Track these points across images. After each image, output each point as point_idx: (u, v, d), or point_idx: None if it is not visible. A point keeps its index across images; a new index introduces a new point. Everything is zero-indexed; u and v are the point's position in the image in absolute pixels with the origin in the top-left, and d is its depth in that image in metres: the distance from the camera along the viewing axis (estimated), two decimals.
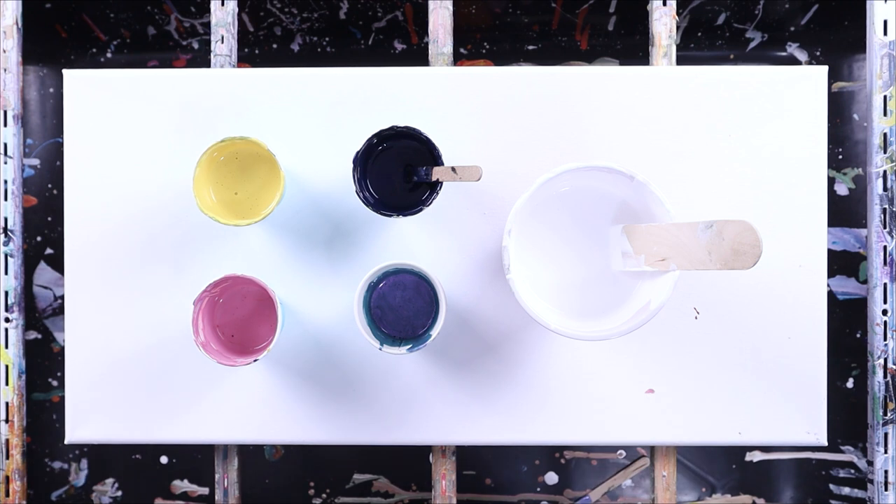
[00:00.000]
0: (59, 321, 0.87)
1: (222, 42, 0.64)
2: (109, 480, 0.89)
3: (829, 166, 0.85)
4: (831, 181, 0.86)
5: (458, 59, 0.90)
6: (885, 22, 0.62)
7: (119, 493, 0.89)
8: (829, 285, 0.84)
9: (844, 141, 0.86)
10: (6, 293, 0.64)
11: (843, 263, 0.85)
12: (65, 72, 0.62)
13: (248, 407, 0.62)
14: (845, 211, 0.85)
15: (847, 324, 0.85)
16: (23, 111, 0.67)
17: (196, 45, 0.91)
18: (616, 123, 0.61)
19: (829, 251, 0.84)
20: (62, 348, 0.87)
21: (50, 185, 0.88)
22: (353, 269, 0.61)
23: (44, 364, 0.88)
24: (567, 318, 0.54)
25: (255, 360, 0.56)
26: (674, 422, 0.61)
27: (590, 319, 0.54)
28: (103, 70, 0.62)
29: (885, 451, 0.62)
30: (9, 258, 0.64)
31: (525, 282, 0.55)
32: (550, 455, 0.89)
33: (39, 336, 0.88)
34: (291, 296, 0.61)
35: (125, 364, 0.62)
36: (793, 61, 0.88)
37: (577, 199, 0.55)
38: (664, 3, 0.64)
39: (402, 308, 0.59)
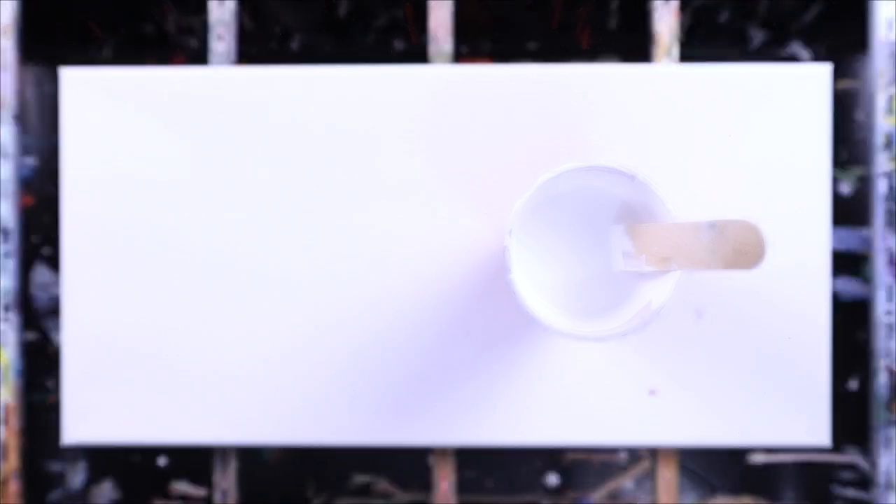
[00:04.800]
0: (57, 322, 0.87)
1: (221, 41, 0.64)
2: (108, 482, 0.89)
3: (832, 165, 0.85)
4: (834, 181, 0.85)
5: (458, 58, 0.90)
6: (889, 21, 0.62)
7: (117, 495, 0.88)
8: (832, 286, 0.83)
9: (847, 140, 0.85)
10: (3, 294, 0.64)
11: (847, 264, 0.84)
12: (62, 70, 0.62)
13: (248, 407, 0.62)
14: (848, 211, 0.85)
15: (850, 324, 0.85)
16: (20, 110, 0.66)
17: (194, 44, 0.90)
18: (617, 122, 0.61)
19: (833, 251, 0.84)
20: (59, 349, 0.87)
21: (48, 185, 0.88)
22: None
23: (41, 365, 0.87)
24: (568, 319, 0.54)
25: None
26: (676, 423, 0.61)
27: (591, 319, 0.54)
28: (101, 68, 0.62)
29: (889, 453, 0.61)
30: (6, 258, 0.64)
31: (526, 282, 0.54)
32: (551, 456, 0.89)
33: (37, 337, 0.87)
34: None
35: (123, 364, 0.61)
36: (795, 59, 0.88)
37: (578, 198, 0.54)
38: (666, 1, 0.63)
39: None
